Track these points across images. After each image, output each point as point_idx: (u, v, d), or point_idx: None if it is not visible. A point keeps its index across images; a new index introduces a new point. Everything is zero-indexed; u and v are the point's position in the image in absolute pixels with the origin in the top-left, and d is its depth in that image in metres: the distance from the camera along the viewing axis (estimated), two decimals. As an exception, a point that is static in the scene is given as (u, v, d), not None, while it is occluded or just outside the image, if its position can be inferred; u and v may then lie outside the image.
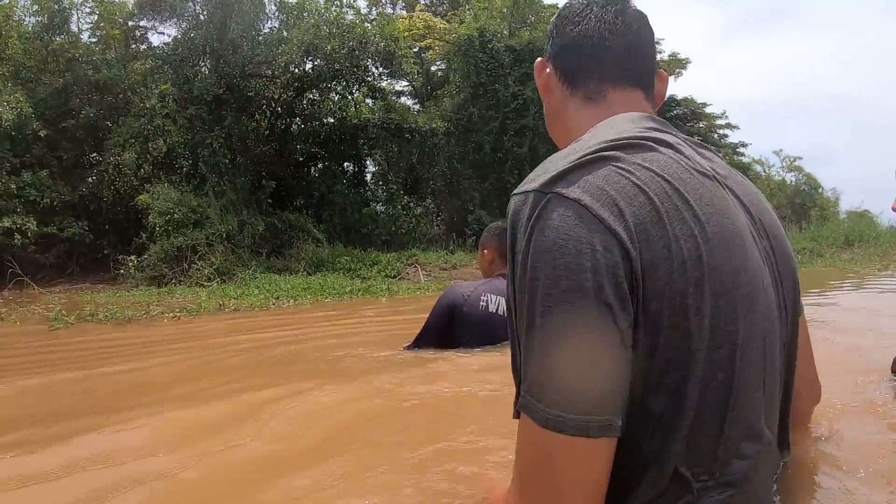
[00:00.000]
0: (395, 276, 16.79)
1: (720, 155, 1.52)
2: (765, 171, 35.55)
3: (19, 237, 17.92)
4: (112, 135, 19.85)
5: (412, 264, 17.95)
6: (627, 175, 1.20)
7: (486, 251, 4.41)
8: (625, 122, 1.41)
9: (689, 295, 1.15)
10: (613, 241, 1.12)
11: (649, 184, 1.19)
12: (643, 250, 1.14)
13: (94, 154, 20.78)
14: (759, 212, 1.42)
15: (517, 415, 1.20)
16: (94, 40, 22.52)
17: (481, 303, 4.05)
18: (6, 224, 17.80)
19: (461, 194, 23.08)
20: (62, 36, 21.47)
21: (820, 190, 38.12)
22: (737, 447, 1.21)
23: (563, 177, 1.20)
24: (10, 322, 9.08)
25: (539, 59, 1.71)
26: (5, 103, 18.30)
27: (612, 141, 1.27)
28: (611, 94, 1.55)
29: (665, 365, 1.16)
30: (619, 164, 1.21)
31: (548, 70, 1.66)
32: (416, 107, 27.14)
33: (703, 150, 1.45)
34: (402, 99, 28.27)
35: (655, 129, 1.39)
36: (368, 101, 23.97)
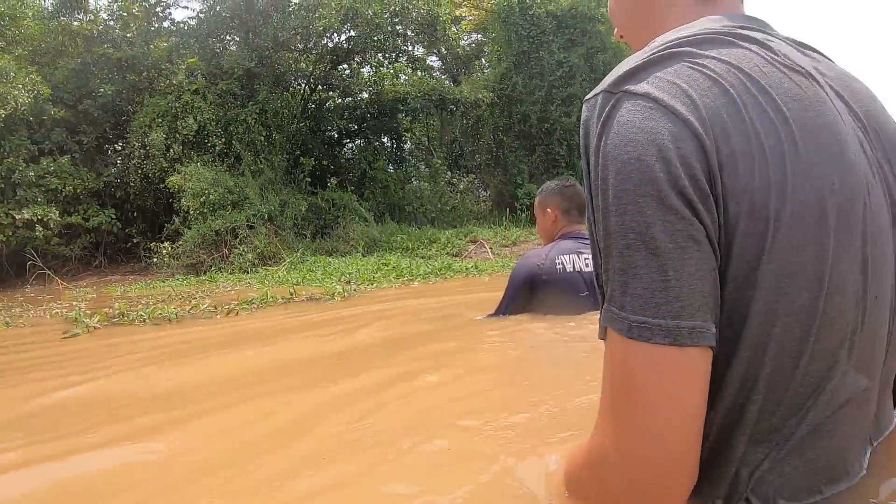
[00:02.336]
0: (456, 255, 14.24)
1: (829, 58, 1.22)
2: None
3: (41, 229, 15.41)
4: (136, 115, 17.21)
5: (474, 241, 15.37)
6: (700, 69, 1.00)
7: (548, 209, 4.13)
8: (708, 22, 1.15)
9: (771, 197, 0.94)
10: (686, 132, 0.95)
11: (724, 75, 0.99)
12: (720, 143, 0.95)
13: (118, 138, 18.23)
14: (874, 121, 1.13)
15: (603, 333, 1.03)
16: (112, 20, 19.78)
17: (557, 267, 3.80)
18: (26, 216, 15.26)
19: (508, 168, 20.50)
20: (81, 15, 18.82)
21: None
22: (817, 385, 1.00)
23: (631, 75, 1.03)
24: (18, 326, 6.59)
25: None
26: (21, 86, 15.77)
27: (685, 38, 1.06)
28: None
29: (735, 282, 0.96)
30: (691, 59, 1.02)
31: None
32: (447, 82, 24.46)
33: (806, 50, 1.18)
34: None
35: (742, 27, 1.12)
36: (402, 77, 21.25)
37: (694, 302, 0.92)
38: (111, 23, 19.37)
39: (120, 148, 18.14)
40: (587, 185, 1.04)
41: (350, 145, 21.88)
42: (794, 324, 0.95)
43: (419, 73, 20.82)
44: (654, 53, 1.03)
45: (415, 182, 20.41)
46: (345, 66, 20.06)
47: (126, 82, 18.32)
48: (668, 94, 0.96)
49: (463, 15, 23.29)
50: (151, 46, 18.45)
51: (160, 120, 16.72)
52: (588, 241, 2.98)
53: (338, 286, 7.84)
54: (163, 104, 16.84)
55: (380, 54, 19.68)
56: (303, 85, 19.58)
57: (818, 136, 0.97)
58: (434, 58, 24.35)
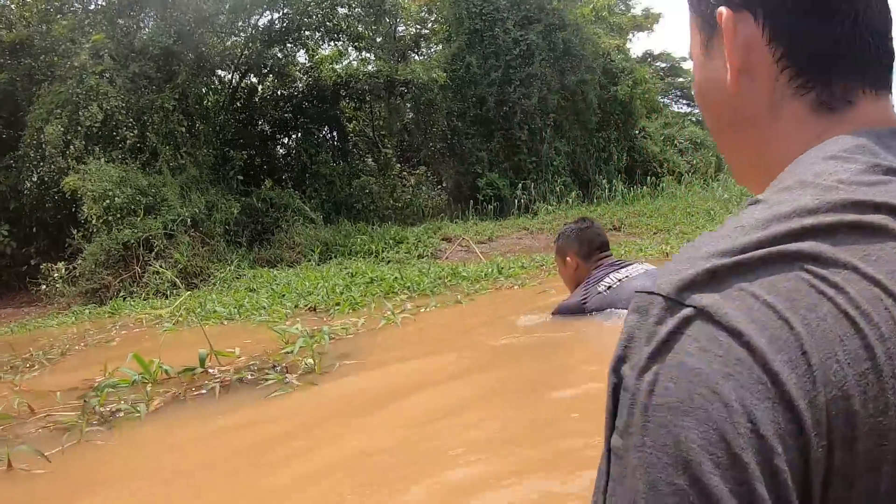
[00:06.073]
0: (433, 256, 10.76)
1: None
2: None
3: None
4: (32, 107, 13.14)
5: (446, 239, 11.90)
6: (830, 295, 0.54)
7: (567, 258, 3.84)
8: (840, 169, 0.61)
9: None
10: (791, 426, 0.50)
11: (871, 315, 0.53)
12: (836, 447, 0.51)
13: (11, 138, 14.07)
14: None
15: None
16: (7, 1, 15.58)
17: (601, 289, 3.60)
18: None
19: (465, 156, 17.08)
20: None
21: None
22: None
23: (714, 277, 0.55)
24: None
25: (722, 7, 0.69)
26: None
27: (809, 213, 0.58)
28: (860, 103, 0.67)
29: None
30: (815, 271, 0.55)
31: (749, 31, 0.68)
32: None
33: None
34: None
35: None
36: (344, 61, 17.60)
37: None
38: (6, 2, 15.23)
39: (12, 147, 13.96)
40: (608, 423, 0.56)
41: (285, 140, 18.11)
42: None
43: (363, 53, 17.18)
44: (759, 245, 0.56)
45: (362, 177, 16.77)
46: (276, 49, 16.25)
47: (21, 69, 14.22)
48: (770, 341, 0.51)
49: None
50: (52, 25, 14.34)
51: (59, 111, 12.78)
52: (621, 264, 3.75)
53: (298, 330, 4.20)
54: (62, 92, 12.88)
55: (317, 34, 16.01)
56: (230, 70, 15.74)
57: None
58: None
